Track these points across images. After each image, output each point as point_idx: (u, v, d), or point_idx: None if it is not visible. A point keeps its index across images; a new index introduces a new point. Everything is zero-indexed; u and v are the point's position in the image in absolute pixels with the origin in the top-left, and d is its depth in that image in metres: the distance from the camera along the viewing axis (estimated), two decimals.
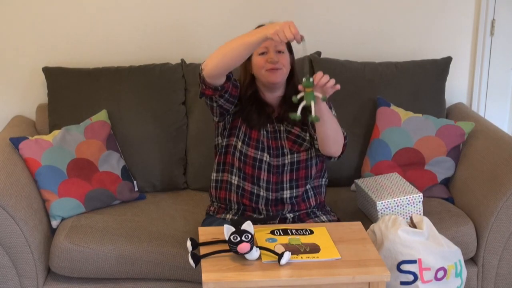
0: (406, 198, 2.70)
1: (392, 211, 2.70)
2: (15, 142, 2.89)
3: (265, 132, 2.62)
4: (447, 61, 3.35)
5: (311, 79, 2.27)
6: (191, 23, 3.39)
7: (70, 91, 3.17)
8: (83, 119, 3.08)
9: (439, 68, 3.34)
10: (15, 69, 3.35)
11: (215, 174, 2.71)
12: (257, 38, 2.32)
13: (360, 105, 3.25)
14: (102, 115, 3.10)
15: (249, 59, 2.58)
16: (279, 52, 2.57)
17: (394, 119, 3.16)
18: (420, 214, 2.72)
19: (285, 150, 2.62)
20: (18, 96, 3.38)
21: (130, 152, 3.13)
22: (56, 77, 3.21)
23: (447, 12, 3.49)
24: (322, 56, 3.35)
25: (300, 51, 2.40)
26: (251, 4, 3.40)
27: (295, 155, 2.63)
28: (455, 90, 3.57)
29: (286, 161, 2.62)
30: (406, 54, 3.46)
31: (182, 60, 3.29)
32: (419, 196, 2.72)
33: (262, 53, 2.56)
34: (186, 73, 3.24)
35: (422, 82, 3.30)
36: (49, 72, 3.21)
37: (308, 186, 2.66)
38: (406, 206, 2.72)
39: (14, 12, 3.29)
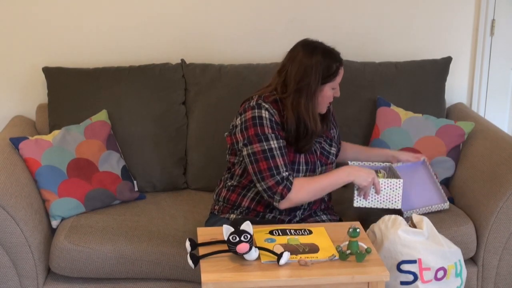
0: (385, 182, 2.61)
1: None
2: (15, 142, 2.89)
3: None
4: (447, 61, 3.35)
5: (357, 230, 2.20)
6: (191, 23, 3.39)
7: (70, 91, 3.17)
8: (83, 119, 3.08)
9: (439, 68, 3.34)
10: (15, 69, 3.35)
11: (232, 181, 2.63)
12: (346, 181, 2.55)
13: (360, 105, 3.25)
14: (102, 115, 3.10)
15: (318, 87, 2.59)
16: None
17: (394, 119, 3.15)
18: (398, 200, 2.65)
19: (317, 162, 2.62)
20: (18, 96, 3.38)
21: (130, 152, 3.13)
22: (56, 77, 3.21)
23: (447, 12, 3.49)
24: None
25: None
26: (251, 5, 3.40)
27: (324, 167, 2.65)
28: (455, 90, 3.57)
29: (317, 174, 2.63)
30: (406, 54, 3.45)
31: (182, 60, 3.29)
32: (399, 181, 2.61)
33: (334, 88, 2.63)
34: (186, 73, 3.24)
35: (422, 82, 3.29)
36: (49, 72, 3.21)
37: None
38: (384, 189, 2.62)
39: (14, 12, 3.29)
